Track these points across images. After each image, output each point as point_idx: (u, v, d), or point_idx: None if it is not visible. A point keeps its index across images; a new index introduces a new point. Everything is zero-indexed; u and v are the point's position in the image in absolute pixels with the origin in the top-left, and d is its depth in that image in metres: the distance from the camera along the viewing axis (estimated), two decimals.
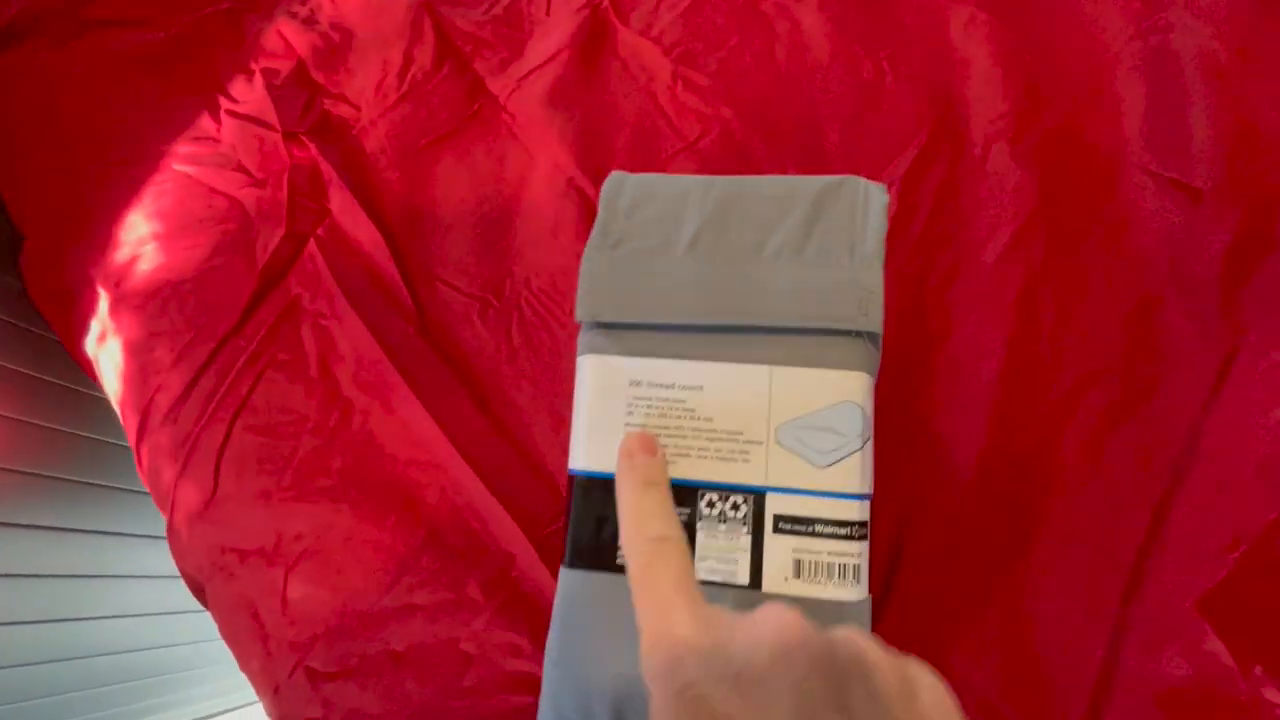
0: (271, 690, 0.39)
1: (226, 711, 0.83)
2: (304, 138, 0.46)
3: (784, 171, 0.40)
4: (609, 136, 0.44)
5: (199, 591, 0.43)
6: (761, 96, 0.42)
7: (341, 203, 0.45)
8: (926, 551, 0.33)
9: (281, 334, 0.43)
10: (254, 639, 0.40)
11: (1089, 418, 0.33)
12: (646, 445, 0.25)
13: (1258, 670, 0.28)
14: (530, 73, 0.46)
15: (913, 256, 0.37)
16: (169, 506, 0.42)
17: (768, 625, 0.18)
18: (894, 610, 0.33)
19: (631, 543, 0.22)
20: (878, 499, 0.34)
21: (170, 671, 0.73)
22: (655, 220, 0.28)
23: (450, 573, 0.37)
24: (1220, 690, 0.29)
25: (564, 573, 0.26)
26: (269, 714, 0.40)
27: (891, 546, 0.33)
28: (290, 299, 0.44)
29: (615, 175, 0.30)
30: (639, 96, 0.44)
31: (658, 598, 0.20)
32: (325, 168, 0.45)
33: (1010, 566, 0.32)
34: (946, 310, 0.36)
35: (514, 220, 0.43)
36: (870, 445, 0.25)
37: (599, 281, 0.27)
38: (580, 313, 0.27)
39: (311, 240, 0.44)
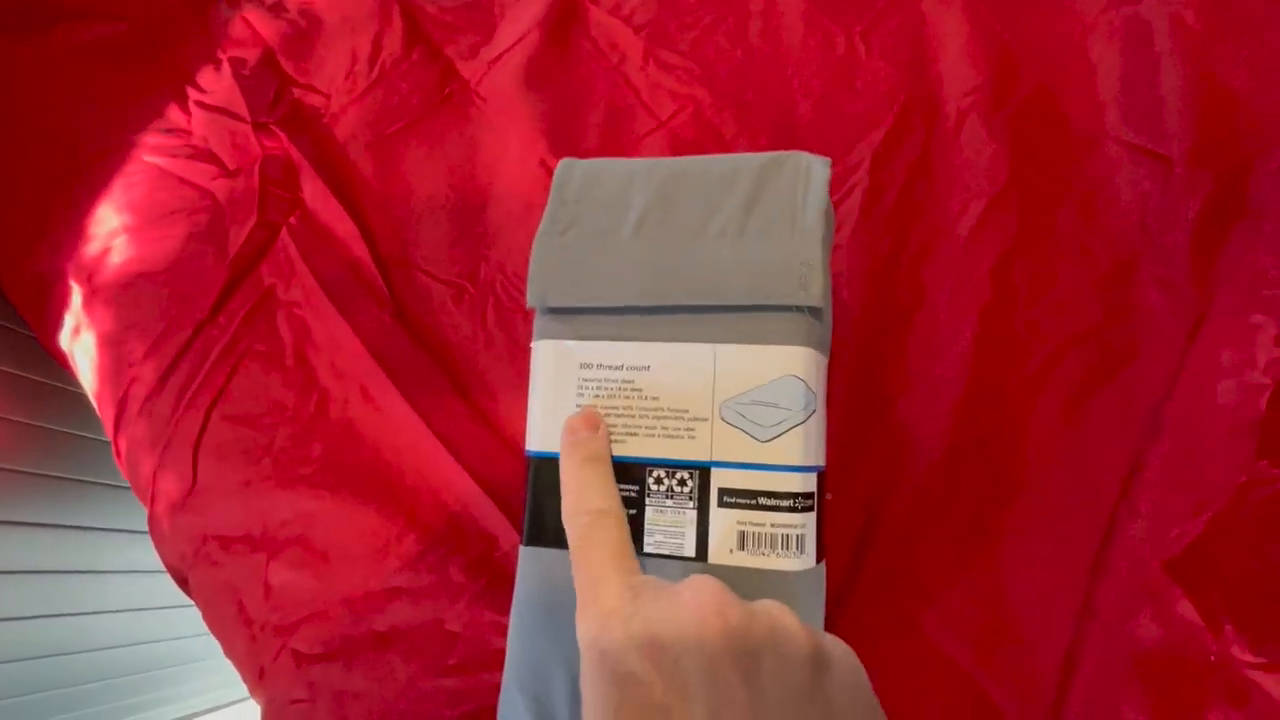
0: (256, 674, 0.42)
1: (212, 710, 0.87)
2: (274, 127, 0.48)
3: (756, 150, 0.42)
4: (581, 118, 0.46)
5: (182, 582, 0.46)
6: (735, 74, 0.44)
7: (313, 191, 0.47)
8: (898, 524, 0.35)
9: (256, 324, 0.46)
10: (238, 625, 0.43)
11: (1062, 388, 0.34)
12: (589, 422, 0.27)
13: (1228, 630, 0.30)
14: (501, 55, 0.48)
15: (884, 233, 0.38)
16: (149, 498, 0.45)
17: (687, 595, 0.20)
18: (866, 583, 0.35)
19: (571, 516, 0.25)
20: (847, 472, 0.36)
21: (155, 668, 0.76)
22: (602, 205, 0.30)
23: (433, 556, 0.40)
24: (1191, 651, 0.30)
25: (523, 551, 0.29)
26: (254, 698, 0.43)
27: (863, 520, 0.35)
28: (264, 289, 0.46)
29: (565, 162, 0.32)
30: (611, 77, 0.46)
31: (592, 569, 0.22)
32: (296, 157, 0.48)
33: (983, 537, 0.34)
34: (919, 285, 0.37)
35: (487, 205, 0.45)
36: (817, 418, 0.27)
37: (548, 267, 0.30)
38: (531, 299, 0.29)
39: (284, 229, 0.47)
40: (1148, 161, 0.35)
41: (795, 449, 0.26)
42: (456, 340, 0.43)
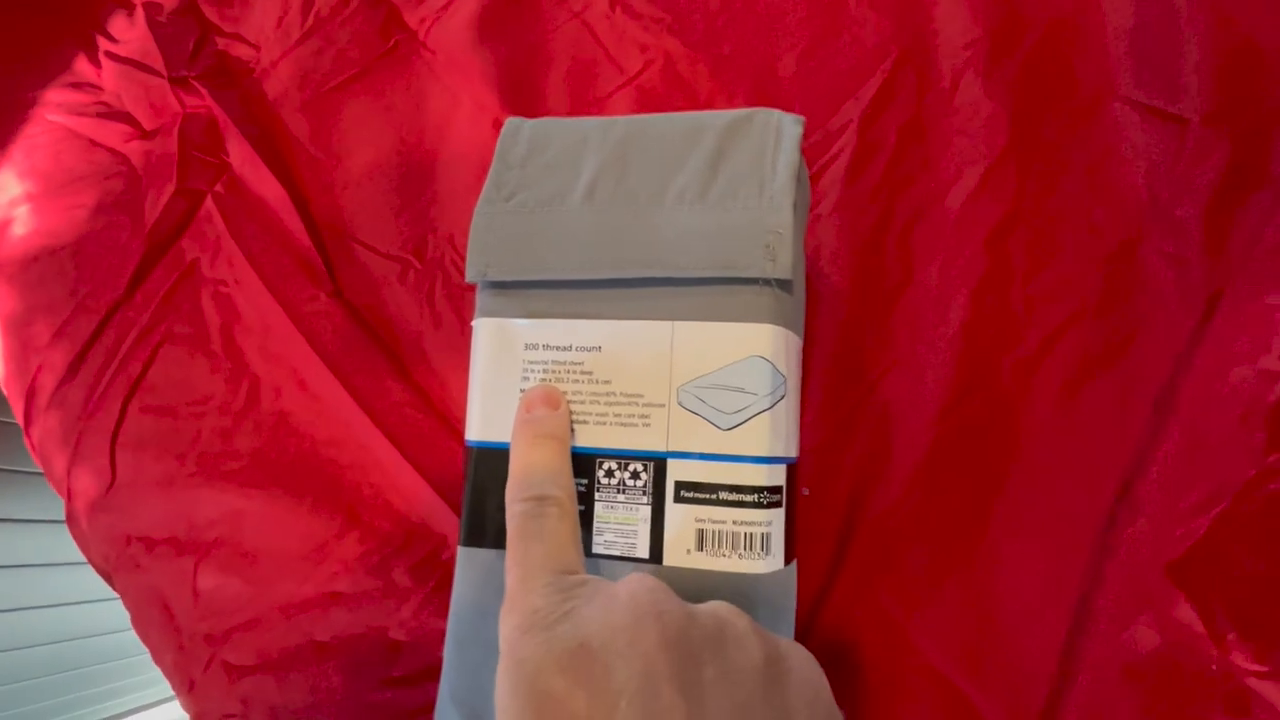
0: (186, 686, 0.42)
1: (160, 703, 0.86)
2: (195, 82, 0.47)
3: (733, 108, 0.42)
4: (540, 73, 0.45)
5: (109, 580, 0.46)
6: (709, 24, 0.43)
7: (241, 155, 0.46)
8: (882, 518, 0.35)
9: (178, 304, 0.45)
10: (166, 632, 0.43)
11: (1060, 371, 0.34)
12: (548, 398, 0.27)
13: (1230, 636, 0.30)
14: (451, 2, 0.47)
15: (872, 202, 0.38)
16: (65, 494, 0.45)
17: (622, 596, 0.20)
18: (846, 582, 0.35)
19: (510, 501, 0.24)
20: (827, 464, 0.36)
21: (92, 663, 0.76)
22: (550, 168, 0.30)
23: (375, 558, 0.39)
24: (1189, 660, 0.31)
25: (460, 552, 0.28)
26: (185, 710, 0.43)
27: (843, 516, 0.35)
28: (186, 264, 0.45)
29: (511, 122, 0.32)
30: (573, 27, 0.45)
31: (525, 562, 0.22)
32: (221, 116, 0.46)
33: (972, 534, 0.34)
34: (908, 259, 0.37)
35: (435, 171, 0.44)
36: (787, 404, 0.27)
37: (489, 238, 0.29)
38: (470, 272, 0.29)
39: (208, 198, 0.46)
40: (1160, 124, 0.35)
41: (760, 438, 0.26)
42: (401, 320, 0.42)
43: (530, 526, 0.23)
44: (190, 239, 0.46)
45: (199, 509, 0.42)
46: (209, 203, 0.46)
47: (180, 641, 0.43)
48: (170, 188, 0.46)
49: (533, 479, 0.25)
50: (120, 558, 0.44)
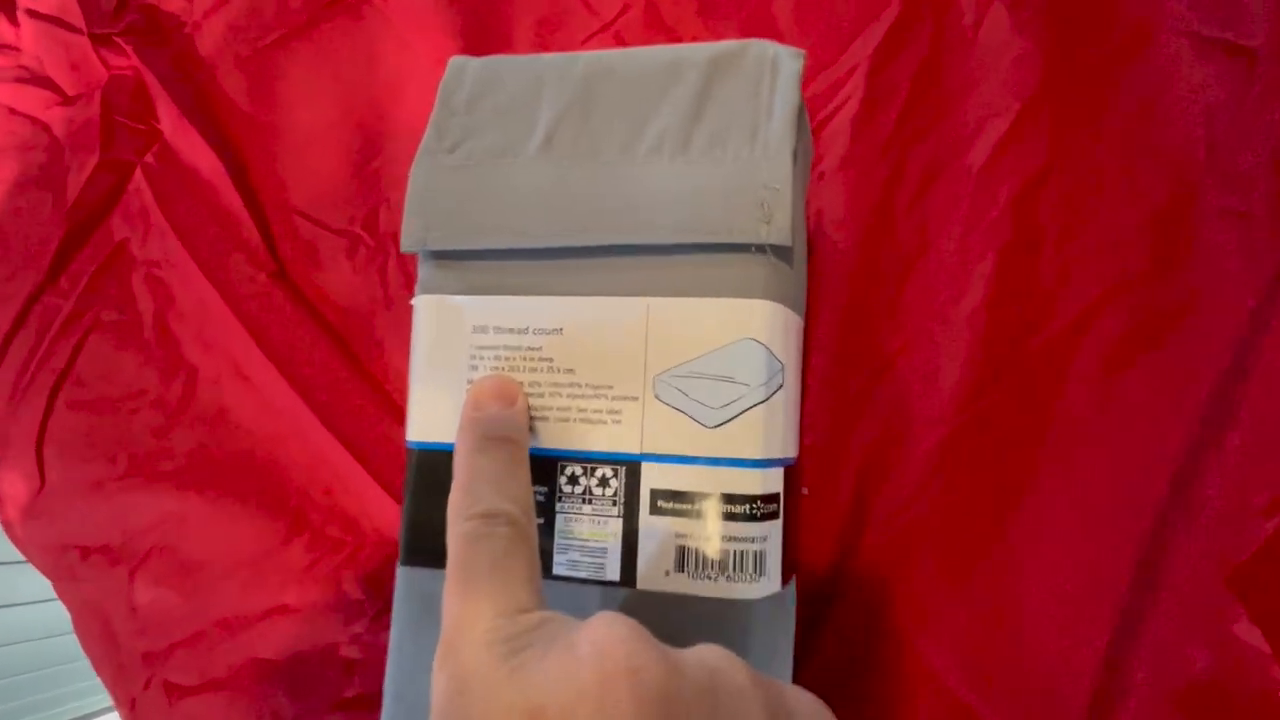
0: (127, 705, 0.38)
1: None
2: (120, 40, 0.42)
3: None
4: (507, 19, 0.40)
5: (54, 587, 0.42)
6: None
7: (172, 121, 0.41)
8: (891, 522, 0.30)
9: (106, 288, 0.40)
10: (106, 648, 0.39)
11: (1099, 352, 0.29)
12: (502, 391, 0.22)
13: None
14: None
15: (882, 158, 0.33)
16: None
17: (585, 645, 0.15)
18: (850, 594, 0.30)
19: (454, 519, 0.20)
20: (831, 460, 0.31)
21: (57, 664, 0.73)
22: (501, 114, 0.25)
23: (325, 567, 0.36)
24: (1251, 684, 0.26)
25: (400, 573, 0.24)
26: None
27: (848, 516, 0.31)
28: (115, 244, 0.41)
29: (456, 61, 0.27)
30: None
31: (466, 599, 0.17)
32: (150, 78, 0.41)
33: (995, 539, 0.29)
34: (923, 222, 0.32)
35: (389, 134, 0.39)
36: (785, 395, 0.22)
37: (429, 198, 0.24)
38: (406, 240, 0.24)
39: (138, 170, 0.41)
40: (1220, 57, 0.30)
41: (754, 437, 0.21)
42: (350, 303, 0.37)
43: (476, 553, 0.18)
44: (118, 216, 0.41)
45: (132, 515, 0.38)
46: (138, 175, 0.41)
47: (119, 658, 0.39)
48: (94, 159, 0.41)
49: (480, 492, 0.20)
50: (56, 567, 0.40)
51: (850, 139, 0.33)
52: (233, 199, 0.40)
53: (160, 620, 0.38)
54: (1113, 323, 0.30)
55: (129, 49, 0.42)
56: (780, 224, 0.21)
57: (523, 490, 0.20)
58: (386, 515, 0.35)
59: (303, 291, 0.38)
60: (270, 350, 0.37)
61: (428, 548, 0.23)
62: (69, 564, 0.40)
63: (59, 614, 0.41)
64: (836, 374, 0.32)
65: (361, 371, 0.37)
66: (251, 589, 0.36)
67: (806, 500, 0.31)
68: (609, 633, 0.15)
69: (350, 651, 0.35)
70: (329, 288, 0.38)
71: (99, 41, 0.42)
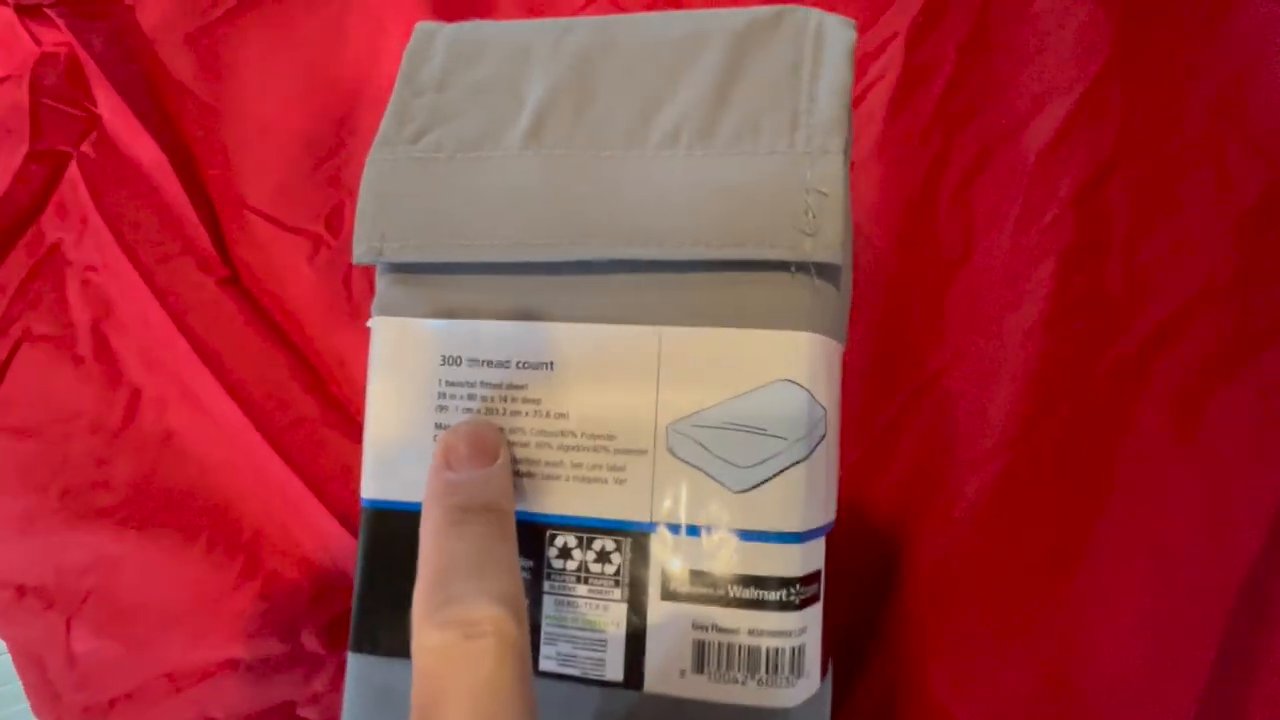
0: None
1: None
2: (51, 13, 0.37)
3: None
4: None
5: None
6: None
7: (111, 107, 0.36)
8: (930, 572, 0.26)
9: (37, 296, 0.35)
10: (43, 698, 0.35)
11: (1178, 375, 0.25)
12: (481, 444, 0.18)
13: None
14: None
15: (922, 144, 0.28)
16: None
17: None
18: (881, 658, 0.26)
19: (419, 624, 0.15)
20: (861, 493, 0.27)
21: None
22: (479, 93, 0.20)
23: (280, 615, 0.31)
24: None
25: (350, 660, 0.19)
26: None
27: (880, 564, 0.27)
28: (46, 247, 0.36)
29: (423, 28, 0.22)
30: None
31: None
32: (85, 57, 0.36)
33: (1053, 597, 0.25)
34: (968, 221, 0.28)
35: (355, 120, 0.35)
36: (827, 449, 0.18)
37: (387, 198, 0.20)
38: (359, 249, 0.19)
39: (73, 161, 0.36)
40: None
41: (792, 503, 0.17)
42: (311, 313, 0.33)
43: (452, 677, 0.14)
44: (51, 214, 0.36)
45: (68, 554, 0.34)
46: (73, 168, 0.36)
47: (58, 711, 0.35)
48: (24, 149, 0.36)
49: (455, 588, 0.15)
50: None
51: (884, 122, 0.29)
52: (178, 194, 0.35)
53: (99, 672, 0.34)
54: (1194, 340, 0.25)
55: (61, 23, 0.37)
56: (828, 237, 0.16)
57: (510, 580, 0.15)
58: (352, 557, 0.31)
59: (257, 300, 0.34)
60: (220, 368, 0.33)
61: (383, 632, 0.19)
62: (4, 602, 0.36)
63: None
64: (865, 399, 0.28)
65: (324, 393, 0.32)
66: (199, 639, 0.32)
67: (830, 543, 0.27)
68: None
69: (308, 712, 0.31)
70: (287, 296, 0.34)
71: (27, 14, 0.37)
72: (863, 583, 0.27)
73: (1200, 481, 0.25)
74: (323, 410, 0.32)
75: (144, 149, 0.36)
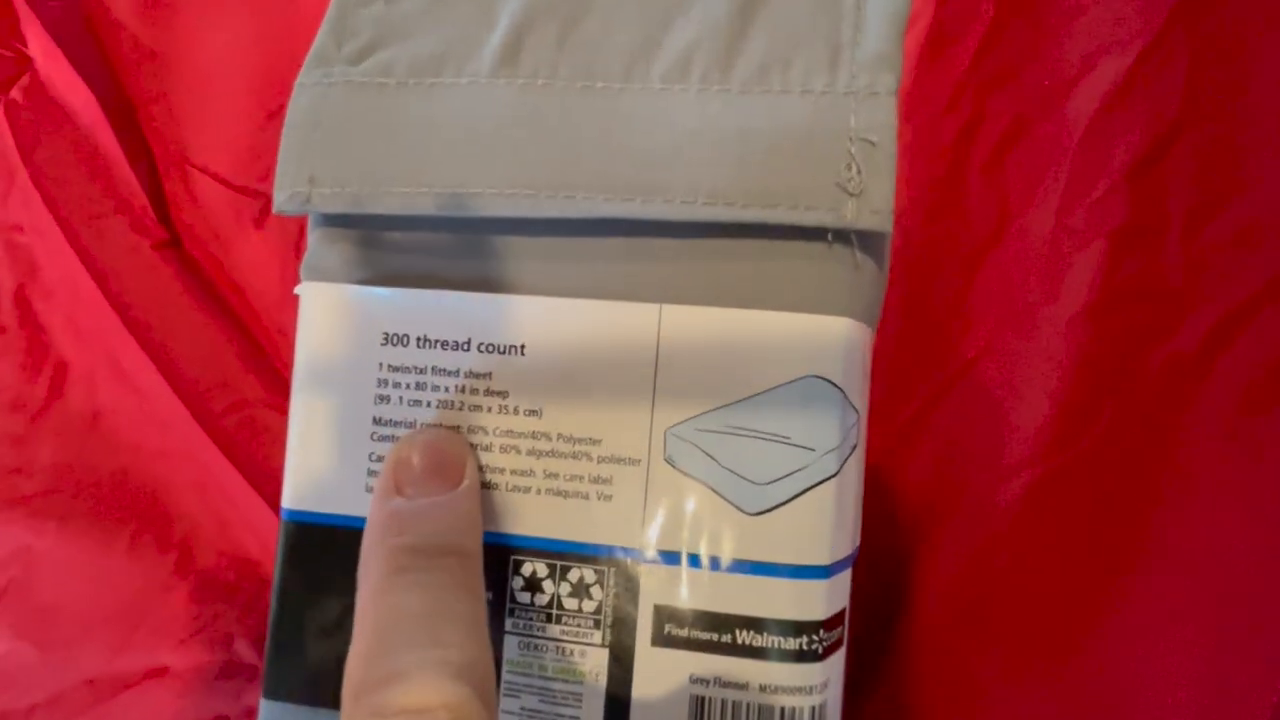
0: None
1: None
2: None
3: None
4: None
5: None
6: None
7: (43, 48, 0.32)
8: (957, 591, 0.23)
9: None
10: None
11: (1243, 375, 0.22)
12: (439, 462, 0.14)
13: None
14: None
15: (953, 104, 0.25)
16: None
17: None
18: (894, 683, 0.23)
19: (349, 710, 0.11)
20: (881, 503, 0.24)
21: None
22: (440, 4, 0.16)
23: (213, 619, 0.28)
24: None
25: (263, 707, 0.16)
26: None
27: (892, 582, 0.23)
28: None
29: None
30: None
31: None
32: None
33: (1094, 619, 0.22)
34: (1004, 193, 0.24)
35: None
36: (858, 464, 0.14)
37: (319, 132, 0.16)
38: (281, 195, 0.16)
39: (0, 107, 0.32)
40: None
41: (819, 530, 0.13)
42: (258, 283, 0.29)
43: None
44: None
45: None
46: (0, 115, 0.32)
47: None
48: None
49: (399, 659, 0.11)
50: None
51: (911, 79, 0.25)
52: (114, 148, 0.31)
53: (16, 675, 0.30)
54: (1262, 336, 0.22)
55: None
56: (877, 199, 0.13)
57: (475, 646, 0.11)
58: None
59: (199, 266, 0.30)
60: (152, 342, 0.29)
61: (300, 679, 0.15)
62: None
63: None
64: (885, 394, 0.24)
65: (270, 372, 0.28)
66: (125, 645, 0.29)
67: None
68: None
69: None
70: (231, 263, 0.30)
71: None
72: (877, 602, 0.23)
73: (1262, 495, 0.21)
74: (268, 392, 0.28)
75: (77, 96, 0.31)
